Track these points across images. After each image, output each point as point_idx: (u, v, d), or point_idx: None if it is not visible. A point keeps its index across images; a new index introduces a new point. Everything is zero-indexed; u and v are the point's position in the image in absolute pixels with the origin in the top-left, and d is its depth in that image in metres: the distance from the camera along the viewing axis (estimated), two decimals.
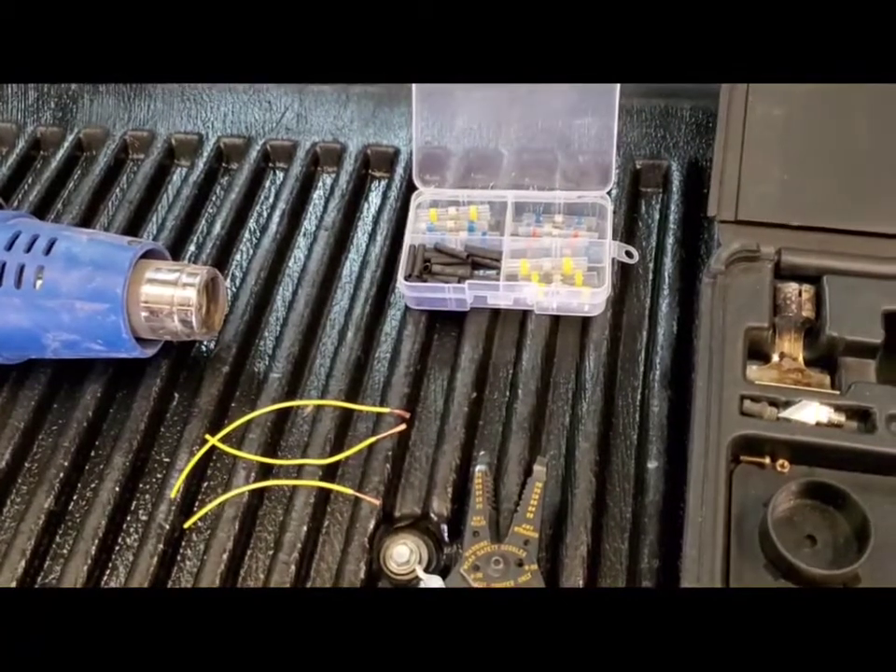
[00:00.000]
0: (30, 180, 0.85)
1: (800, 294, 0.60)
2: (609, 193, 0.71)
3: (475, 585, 0.55)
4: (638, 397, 0.65)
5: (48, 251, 0.63)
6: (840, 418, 0.54)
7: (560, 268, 0.68)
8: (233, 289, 0.74)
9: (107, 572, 0.61)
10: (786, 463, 0.55)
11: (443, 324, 0.70)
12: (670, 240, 0.71)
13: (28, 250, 0.63)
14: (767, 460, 0.55)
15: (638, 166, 0.76)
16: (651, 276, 0.71)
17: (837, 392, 0.56)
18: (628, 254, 0.69)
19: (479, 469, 0.60)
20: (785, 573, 0.51)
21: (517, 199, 0.71)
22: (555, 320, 0.69)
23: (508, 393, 0.66)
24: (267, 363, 0.69)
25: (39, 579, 0.61)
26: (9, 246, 0.63)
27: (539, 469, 0.59)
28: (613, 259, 0.68)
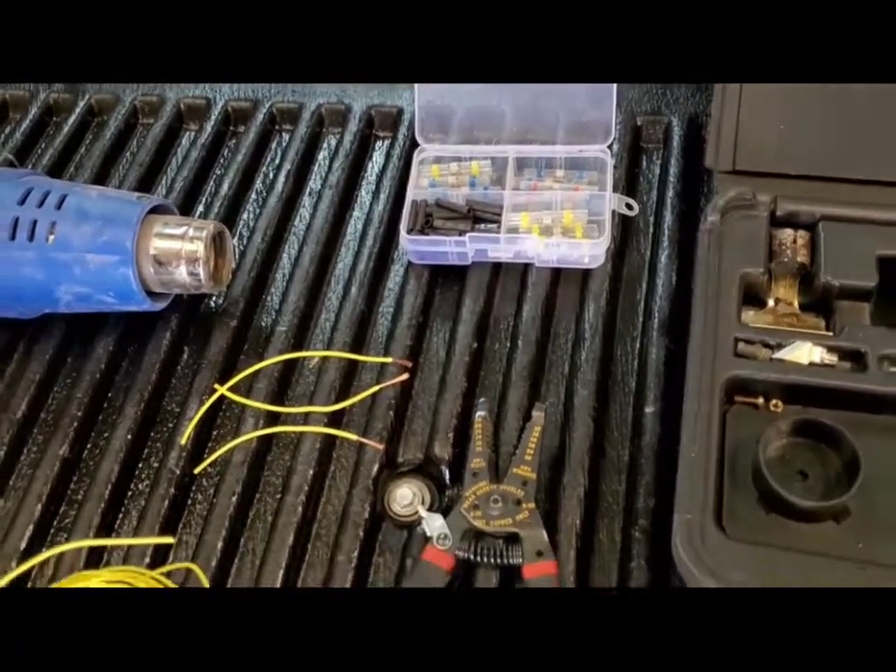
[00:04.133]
0: (43, 145, 0.86)
1: (795, 240, 0.60)
2: (609, 148, 0.72)
3: (475, 523, 0.56)
4: (637, 345, 0.66)
5: (59, 206, 0.64)
6: (833, 358, 0.55)
7: (561, 221, 0.69)
8: (241, 247, 0.75)
9: (120, 516, 0.63)
10: (779, 403, 0.56)
11: (445, 278, 0.71)
12: (670, 193, 0.72)
13: (40, 205, 0.64)
14: (761, 400, 0.56)
15: (639, 122, 0.77)
16: (651, 229, 0.72)
17: (831, 334, 0.57)
18: (628, 206, 0.70)
19: (479, 414, 0.62)
20: (776, 507, 0.52)
21: (519, 154, 0.72)
22: (556, 273, 0.70)
23: (508, 344, 0.67)
24: (274, 317, 0.71)
25: (55, 522, 0.63)
26: (22, 202, 0.64)
27: (537, 414, 0.61)
28: (613, 212, 0.69)
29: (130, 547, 0.61)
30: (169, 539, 0.60)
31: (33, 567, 0.60)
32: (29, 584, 0.60)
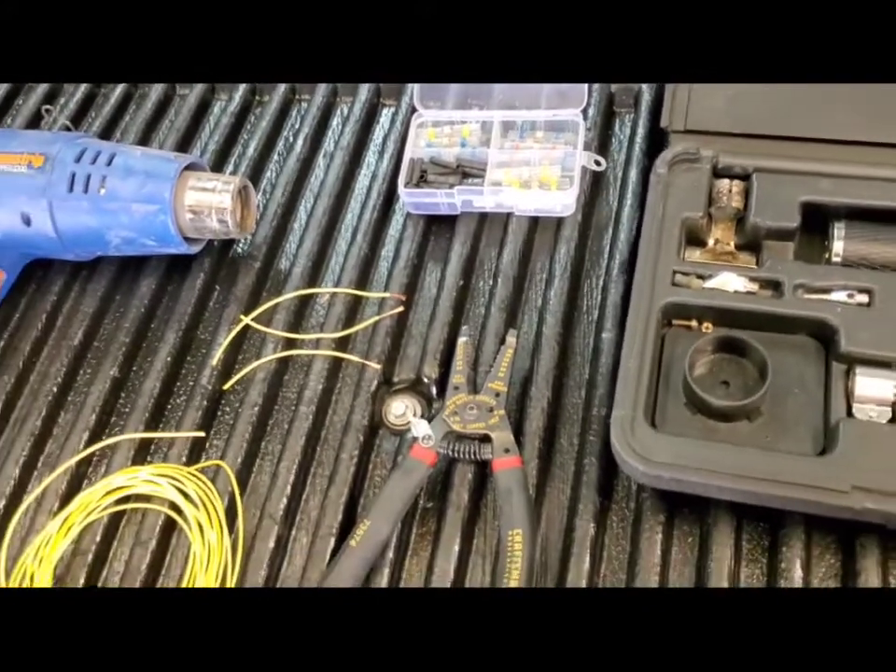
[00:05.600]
0: (94, 113, 0.98)
1: (731, 189, 0.70)
2: (584, 112, 0.81)
3: (454, 426, 0.67)
4: (601, 283, 0.76)
5: (109, 163, 0.76)
6: (754, 287, 0.65)
7: (538, 176, 0.79)
8: (264, 201, 0.86)
9: (161, 424, 0.75)
10: (710, 325, 0.66)
11: (438, 227, 0.82)
12: (637, 152, 0.81)
13: (93, 162, 0.76)
14: (694, 323, 0.66)
15: (613, 89, 0.86)
16: (618, 183, 0.81)
17: (757, 267, 0.67)
18: (597, 162, 0.80)
19: (462, 339, 0.72)
20: (700, 409, 0.62)
21: (504, 118, 0.82)
22: (534, 221, 0.80)
23: (491, 281, 0.78)
24: (291, 260, 0.82)
25: (107, 430, 0.76)
26: (78, 159, 0.76)
27: (510, 339, 0.72)
28: (584, 167, 0.79)
29: (169, 448, 0.73)
30: (201, 433, 0.72)
31: (93, 455, 0.73)
32: (89, 473, 0.73)
